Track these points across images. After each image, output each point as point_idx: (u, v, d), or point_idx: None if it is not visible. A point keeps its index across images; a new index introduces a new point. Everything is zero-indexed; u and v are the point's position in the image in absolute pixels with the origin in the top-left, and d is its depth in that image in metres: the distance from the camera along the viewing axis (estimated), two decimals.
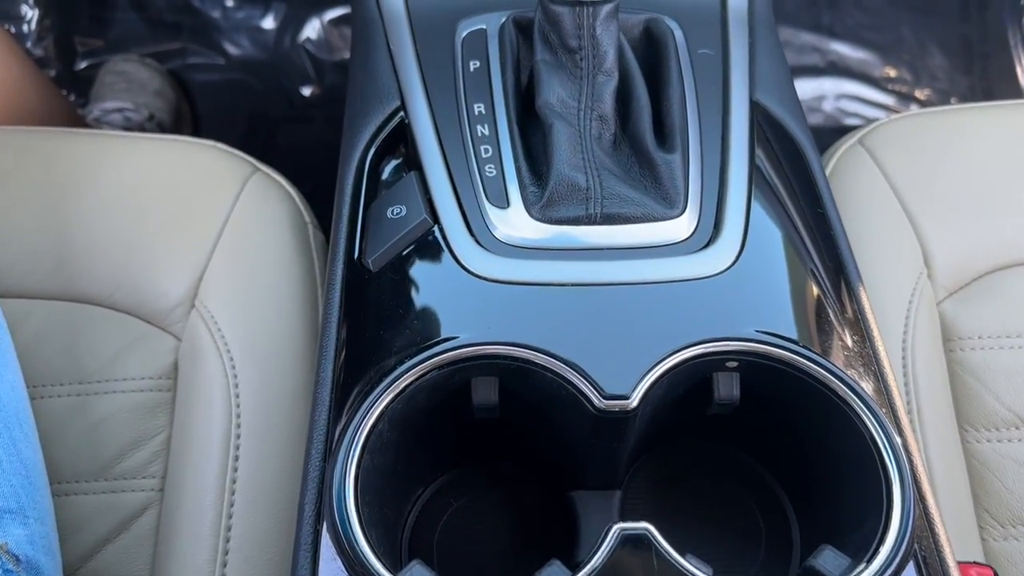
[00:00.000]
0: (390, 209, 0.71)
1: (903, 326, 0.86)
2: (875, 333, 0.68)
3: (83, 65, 1.87)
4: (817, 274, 0.71)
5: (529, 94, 0.81)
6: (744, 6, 0.90)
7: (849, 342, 0.67)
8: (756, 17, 0.89)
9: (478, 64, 0.83)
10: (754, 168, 0.75)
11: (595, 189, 0.71)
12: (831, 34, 1.88)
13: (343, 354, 0.65)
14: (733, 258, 0.68)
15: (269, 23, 1.90)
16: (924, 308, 0.88)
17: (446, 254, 0.68)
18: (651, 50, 0.86)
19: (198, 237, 0.88)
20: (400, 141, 0.79)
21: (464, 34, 0.86)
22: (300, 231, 0.90)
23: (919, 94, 1.87)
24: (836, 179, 0.99)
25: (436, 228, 0.70)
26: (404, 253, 0.69)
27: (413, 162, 0.76)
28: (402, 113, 0.79)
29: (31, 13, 1.82)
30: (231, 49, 1.89)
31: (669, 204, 0.71)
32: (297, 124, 1.86)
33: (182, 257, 0.87)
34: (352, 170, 0.75)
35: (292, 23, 1.90)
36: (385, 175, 0.76)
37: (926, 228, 0.93)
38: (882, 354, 0.68)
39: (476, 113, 0.79)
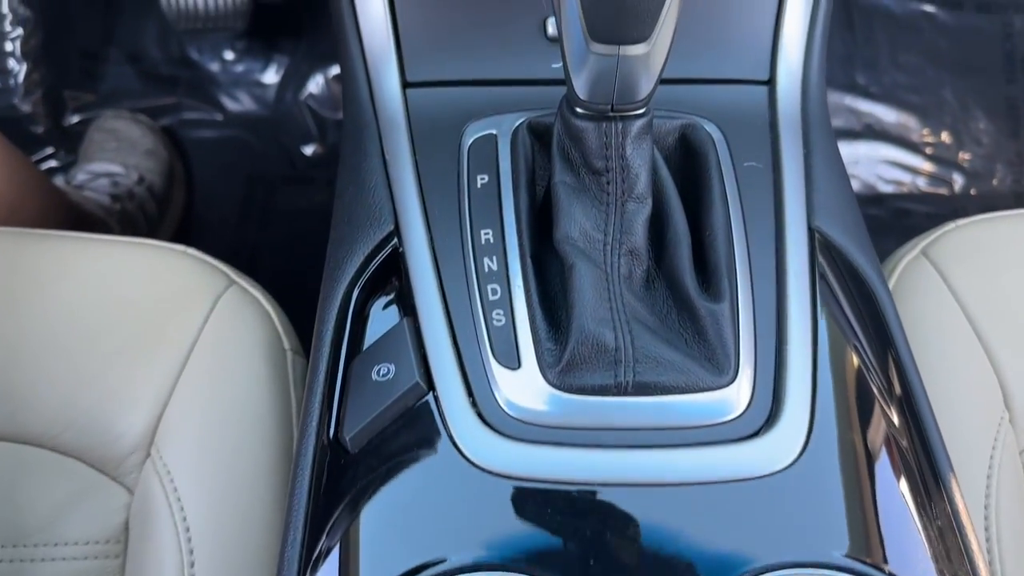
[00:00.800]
0: (376, 368, 0.59)
1: (984, 488, 0.73)
2: (969, 535, 0.56)
3: (73, 120, 1.77)
4: (900, 449, 0.58)
5: (546, 214, 0.69)
6: (796, 108, 0.78)
7: (940, 539, 0.55)
8: (811, 120, 0.77)
9: (486, 179, 0.71)
10: (817, 317, 0.62)
11: (626, 349, 0.58)
12: (867, 95, 1.76)
13: (309, 554, 0.53)
14: (800, 446, 0.55)
15: (270, 77, 1.80)
16: (1008, 463, 0.75)
17: (442, 435, 0.56)
18: (689, 162, 0.74)
19: (160, 367, 0.77)
20: (393, 273, 0.67)
21: (471, 141, 0.75)
22: (277, 360, 0.78)
23: (962, 160, 1.74)
24: (899, 297, 0.86)
25: (430, 396, 0.58)
26: (390, 429, 0.57)
27: (407, 303, 0.64)
28: (396, 240, 0.68)
29: (18, 67, 1.72)
30: (230, 104, 1.78)
31: (716, 368, 0.59)
32: (298, 185, 1.75)
33: (140, 391, 0.76)
34: (333, 313, 0.63)
35: (294, 78, 1.79)
36: (373, 319, 0.64)
37: (1004, 361, 0.80)
38: (973, 547, 0.56)
39: (483, 242, 0.67)
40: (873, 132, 1.75)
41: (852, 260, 0.67)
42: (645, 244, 0.65)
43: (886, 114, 1.76)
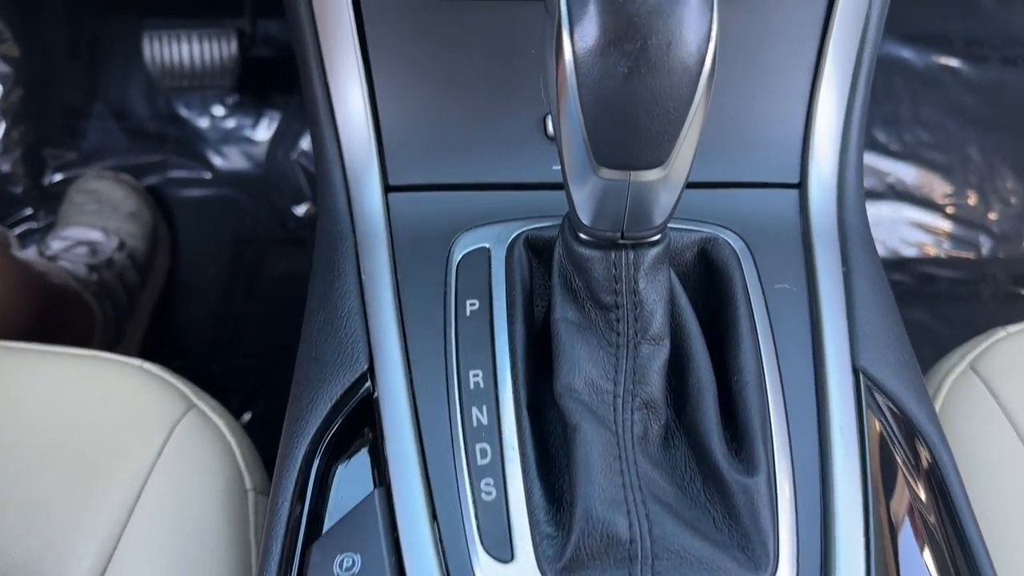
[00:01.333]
0: (339, 559, 0.50)
1: None
2: None
3: (53, 180, 1.69)
4: None
5: (546, 345, 0.59)
6: (831, 216, 0.68)
7: None
8: (849, 231, 0.68)
9: (477, 306, 0.62)
10: (868, 487, 0.53)
11: (643, 541, 0.48)
12: (888, 153, 1.67)
13: None
14: None
15: (261, 134, 1.72)
16: None
17: None
18: (710, 282, 0.65)
19: (106, 512, 0.67)
20: (365, 423, 0.58)
21: (461, 255, 0.65)
22: (238, 502, 0.69)
23: (989, 221, 1.65)
24: (947, 418, 0.76)
25: None
26: None
27: (379, 466, 0.55)
28: (369, 383, 0.58)
29: None
30: (218, 162, 1.70)
31: (752, 561, 0.49)
32: (289, 247, 1.66)
33: (83, 543, 0.66)
34: (292, 480, 0.54)
35: (286, 135, 1.71)
36: (338, 486, 0.55)
37: None
38: None
39: (471, 386, 0.57)
40: (895, 192, 1.66)
41: (905, 409, 0.58)
42: (663, 394, 0.55)
43: (908, 173, 1.67)
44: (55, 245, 1.47)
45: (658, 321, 0.55)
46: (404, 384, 0.57)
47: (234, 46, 1.58)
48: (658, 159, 0.51)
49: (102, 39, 1.74)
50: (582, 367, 0.55)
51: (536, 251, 0.66)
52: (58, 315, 1.37)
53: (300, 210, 1.68)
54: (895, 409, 0.58)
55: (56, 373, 0.76)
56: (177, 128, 1.72)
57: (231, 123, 1.72)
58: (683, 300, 0.60)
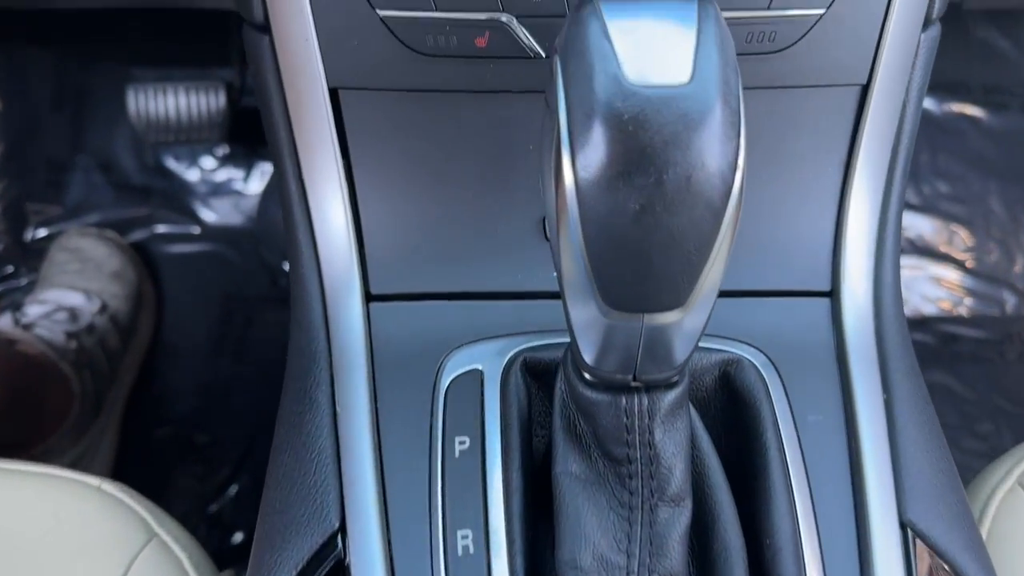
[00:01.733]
0: None
1: None
2: None
3: (36, 235, 1.62)
4: None
5: (546, 484, 0.52)
6: (868, 330, 0.61)
7: None
8: (888, 348, 0.60)
9: (467, 444, 0.54)
10: None
11: None
12: (906, 206, 1.60)
13: None
14: None
15: (253, 187, 1.65)
16: None
17: None
18: (734, 413, 0.57)
19: None
20: None
21: (449, 380, 0.58)
22: None
23: (1013, 277, 1.57)
24: (995, 544, 0.68)
25: None
26: None
27: None
28: (340, 545, 0.51)
29: None
30: (207, 216, 1.64)
31: None
32: (279, 306, 1.59)
33: None
34: None
35: (278, 188, 1.64)
36: None
37: None
38: None
39: (460, 551, 0.50)
40: (914, 247, 1.59)
41: (961, 572, 0.50)
42: (684, 567, 0.47)
43: (928, 227, 1.59)
44: (32, 311, 1.40)
45: (678, 478, 0.48)
46: (380, 549, 0.49)
47: (222, 99, 1.52)
48: (676, 301, 0.43)
49: (88, 89, 1.68)
50: (589, 536, 0.47)
51: (536, 375, 0.58)
52: (33, 389, 1.30)
53: None
54: (947, 565, 0.51)
55: (3, 495, 0.68)
56: (165, 181, 1.66)
57: (221, 176, 1.66)
58: (705, 443, 0.53)
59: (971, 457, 1.44)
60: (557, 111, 0.43)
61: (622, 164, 0.40)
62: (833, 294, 0.63)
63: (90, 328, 1.41)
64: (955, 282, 1.57)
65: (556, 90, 0.44)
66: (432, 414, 0.56)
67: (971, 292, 1.57)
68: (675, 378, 0.48)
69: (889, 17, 0.61)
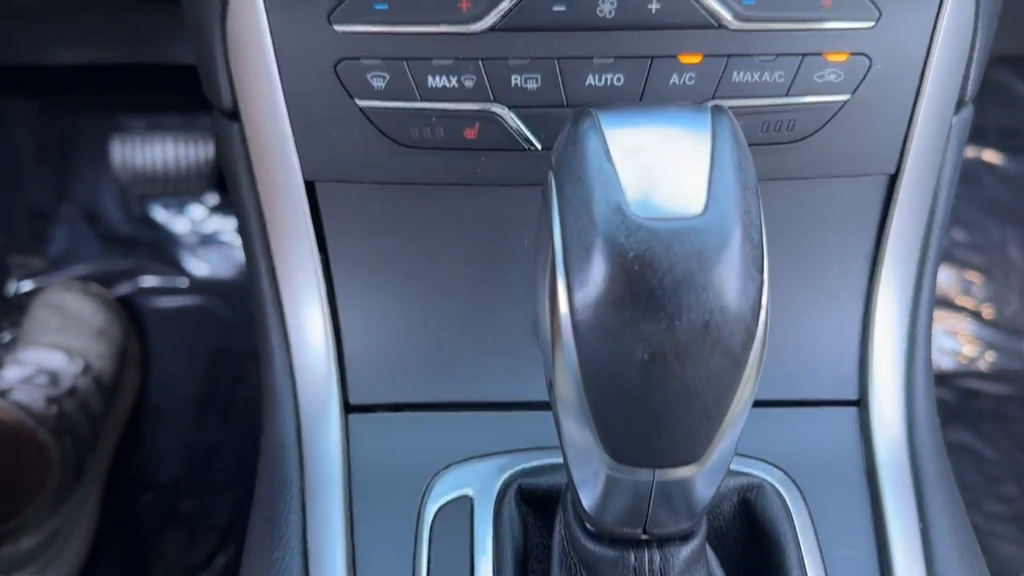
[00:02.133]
0: None
1: None
2: None
3: (19, 289, 1.57)
4: None
5: None
6: (901, 444, 0.55)
7: None
8: (923, 467, 0.54)
9: None
10: None
11: None
12: None
13: None
14: None
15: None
16: None
17: None
18: (755, 546, 0.51)
19: None
20: None
21: (436, 507, 0.52)
22: None
23: None
24: None
25: None
26: None
27: None
28: None
29: None
30: (195, 268, 1.58)
31: None
32: None
33: None
34: None
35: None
36: None
37: None
38: None
39: None
40: None
41: None
42: None
43: (945, 277, 1.53)
44: (11, 374, 1.34)
45: None
46: None
47: (210, 149, 1.47)
48: (692, 456, 0.38)
49: (73, 137, 1.63)
50: None
51: (533, 503, 0.52)
52: (8, 460, 1.24)
53: None
54: None
55: None
56: (151, 232, 1.61)
57: (209, 227, 1.60)
58: None
59: (995, 522, 1.37)
60: (552, 237, 0.37)
61: (627, 309, 0.34)
62: (861, 403, 0.57)
63: (72, 391, 1.35)
64: (974, 334, 1.51)
65: (551, 213, 0.38)
66: (416, 553, 0.50)
67: (991, 345, 1.50)
68: (691, 529, 0.42)
69: (919, 101, 0.55)
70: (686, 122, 0.38)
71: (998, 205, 1.56)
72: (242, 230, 0.60)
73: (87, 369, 1.40)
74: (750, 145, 0.50)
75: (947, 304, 1.52)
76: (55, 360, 1.39)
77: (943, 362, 1.50)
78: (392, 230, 0.57)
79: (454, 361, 0.58)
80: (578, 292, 0.35)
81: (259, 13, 0.52)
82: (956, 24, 0.54)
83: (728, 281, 0.34)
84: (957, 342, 1.50)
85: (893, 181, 0.57)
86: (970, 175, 1.57)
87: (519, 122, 0.53)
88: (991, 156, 1.57)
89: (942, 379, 1.49)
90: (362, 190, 0.57)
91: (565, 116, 0.52)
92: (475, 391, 0.57)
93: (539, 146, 0.54)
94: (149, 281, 1.58)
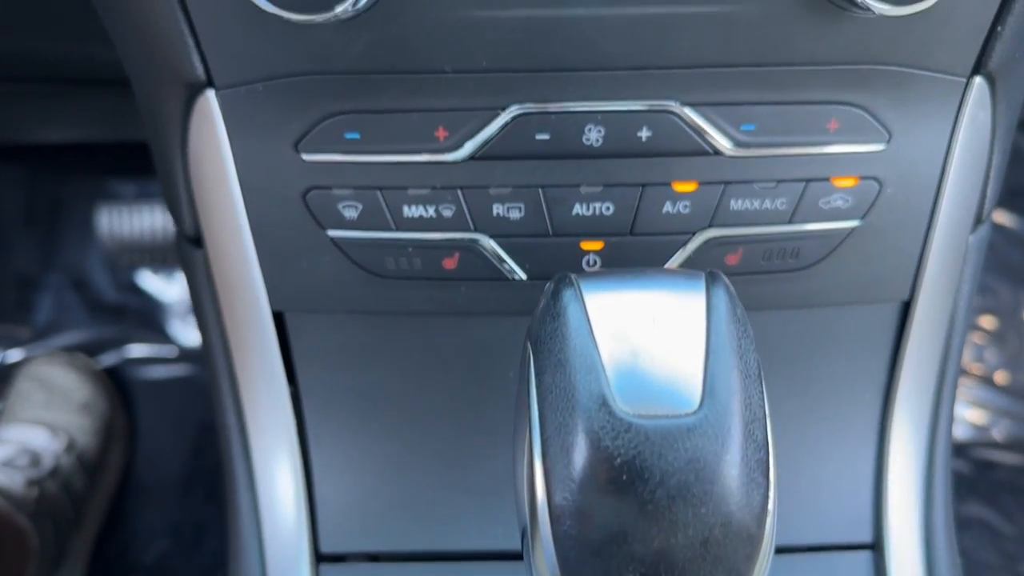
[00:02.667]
0: None
1: None
2: None
3: (4, 360, 1.53)
4: None
5: None
6: None
7: None
8: None
9: None
10: None
11: None
12: None
13: None
14: None
15: None
16: None
17: None
18: None
19: None
20: None
21: None
22: None
23: None
24: None
25: None
26: None
27: None
28: None
29: None
30: (183, 337, 1.54)
31: None
32: None
33: None
34: None
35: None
36: None
37: None
38: None
39: None
40: None
41: None
42: None
43: None
44: None
45: None
46: None
47: None
48: None
49: (61, 203, 1.60)
50: None
51: None
52: None
53: None
54: None
55: None
56: (139, 299, 1.57)
57: None
58: None
59: None
60: (531, 426, 0.33)
61: (615, 525, 0.30)
62: (876, 547, 0.53)
63: (54, 471, 1.31)
64: (989, 403, 1.46)
65: (529, 399, 0.34)
66: None
67: (1006, 413, 1.45)
68: None
69: (934, 224, 0.51)
70: (678, 295, 0.34)
71: (1008, 267, 1.51)
72: (206, 361, 0.56)
73: (71, 446, 1.35)
74: (751, 274, 0.46)
75: (960, 371, 1.47)
76: (38, 438, 1.34)
77: (957, 432, 1.44)
78: (367, 363, 0.53)
79: (434, 505, 0.53)
80: (558, 497, 0.31)
81: (221, 140, 0.48)
82: (972, 142, 0.50)
83: (729, 491, 0.30)
84: (971, 411, 1.45)
85: (907, 308, 0.53)
86: None
87: (502, 252, 0.49)
88: (1000, 216, 1.53)
89: (957, 450, 1.44)
90: (334, 320, 0.53)
91: (551, 245, 0.48)
92: (456, 539, 0.53)
93: (524, 276, 0.50)
94: (137, 351, 1.54)
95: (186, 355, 1.53)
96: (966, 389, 1.46)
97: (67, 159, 1.56)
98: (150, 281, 1.57)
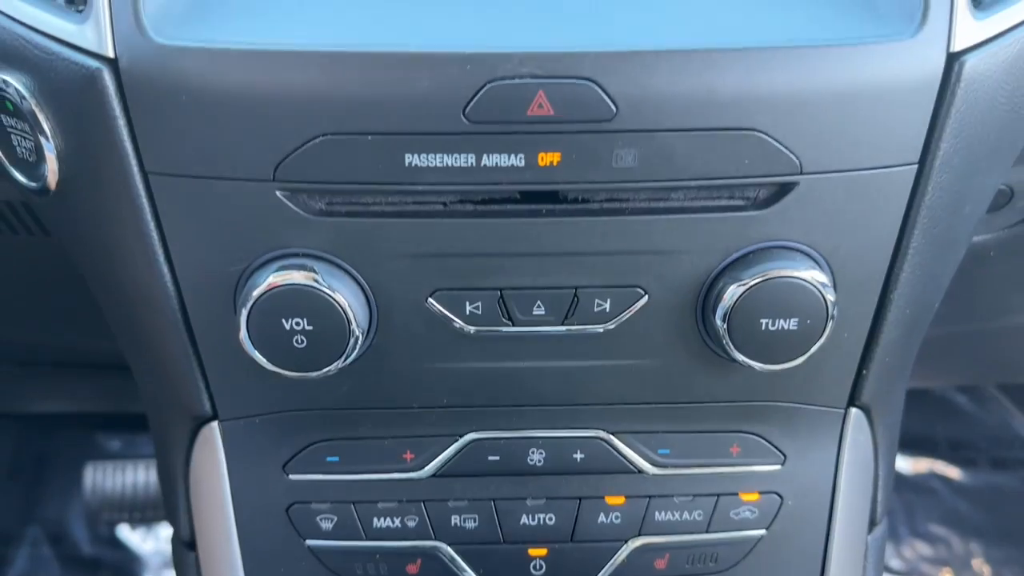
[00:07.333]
0: None
1: None
2: None
3: None
4: None
5: None
6: None
7: None
8: None
9: None
10: None
11: None
12: (888, 572, 1.53)
13: None
14: None
15: None
16: None
17: None
18: None
19: None
20: None
21: None
22: None
23: None
24: None
25: None
26: None
27: None
28: None
29: None
30: None
31: None
32: None
33: None
34: None
35: None
36: None
37: None
38: None
39: None
40: None
41: None
42: None
43: None
44: None
45: None
46: None
47: None
48: None
49: (47, 456, 1.65)
50: None
51: None
52: None
53: None
54: None
55: None
56: (116, 553, 1.58)
57: None
58: None
59: None
60: None
61: None
62: None
63: None
64: None
65: None
66: None
67: None
68: None
69: (832, 529, 0.59)
70: None
71: (957, 517, 1.58)
72: None
73: None
74: None
75: None
76: None
77: None
78: None
79: None
80: None
81: (220, 463, 0.57)
82: (857, 460, 0.60)
83: None
84: None
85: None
86: (925, 487, 1.61)
87: (459, 558, 0.57)
88: (943, 468, 1.62)
89: None
90: None
91: (502, 552, 0.56)
92: None
93: None
94: None
95: None
96: None
97: (57, 419, 1.63)
98: (128, 534, 1.59)
